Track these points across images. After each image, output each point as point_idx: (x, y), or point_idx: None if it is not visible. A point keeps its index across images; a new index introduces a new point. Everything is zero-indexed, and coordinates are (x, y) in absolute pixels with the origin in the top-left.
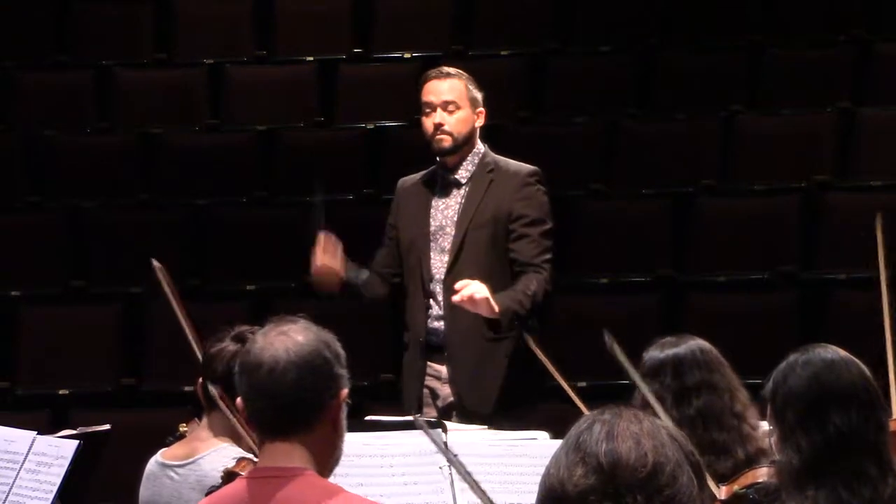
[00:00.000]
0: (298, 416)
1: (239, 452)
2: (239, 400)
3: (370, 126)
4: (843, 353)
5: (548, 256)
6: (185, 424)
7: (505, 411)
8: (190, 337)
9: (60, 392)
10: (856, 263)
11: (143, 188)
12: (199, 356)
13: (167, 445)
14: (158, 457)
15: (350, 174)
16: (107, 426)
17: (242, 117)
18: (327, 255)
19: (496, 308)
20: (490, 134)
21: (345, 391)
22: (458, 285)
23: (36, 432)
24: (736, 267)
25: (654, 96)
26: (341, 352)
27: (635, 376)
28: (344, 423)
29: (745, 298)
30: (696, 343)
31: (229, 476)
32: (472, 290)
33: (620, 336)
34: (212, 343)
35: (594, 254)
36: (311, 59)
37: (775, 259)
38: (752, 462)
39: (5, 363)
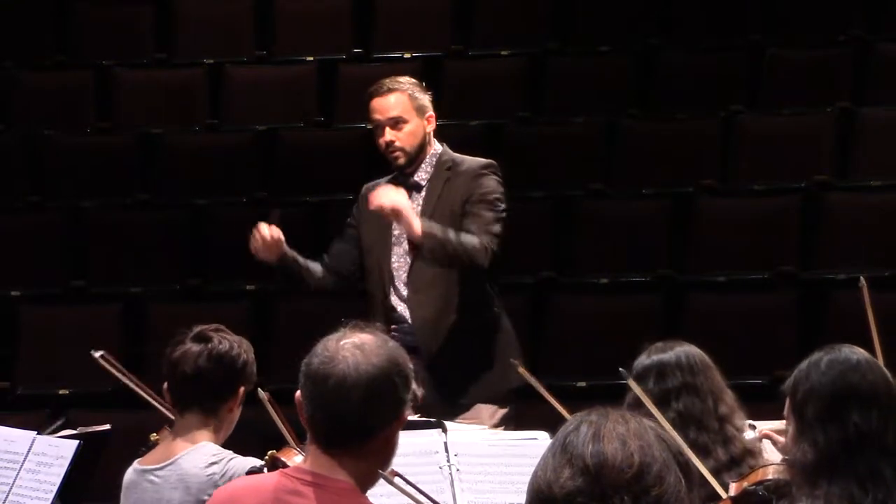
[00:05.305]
0: (354, 434)
1: (217, 449)
2: (298, 394)
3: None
4: (867, 354)
5: (495, 230)
6: (156, 434)
7: (483, 401)
8: (157, 405)
9: (60, 392)
10: (856, 263)
11: (143, 188)
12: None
13: (141, 456)
14: (136, 465)
15: (350, 174)
16: (107, 426)
17: (242, 117)
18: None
19: (418, 225)
20: (490, 134)
21: (405, 414)
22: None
23: (36, 432)
24: (736, 267)
25: (654, 96)
26: (410, 373)
27: (652, 407)
28: (397, 441)
29: (745, 298)
30: (683, 349)
31: (274, 461)
32: (388, 199)
33: (621, 336)
34: (173, 347)
35: (594, 254)
36: (311, 59)
37: (775, 259)
38: (735, 462)
39: (5, 363)
